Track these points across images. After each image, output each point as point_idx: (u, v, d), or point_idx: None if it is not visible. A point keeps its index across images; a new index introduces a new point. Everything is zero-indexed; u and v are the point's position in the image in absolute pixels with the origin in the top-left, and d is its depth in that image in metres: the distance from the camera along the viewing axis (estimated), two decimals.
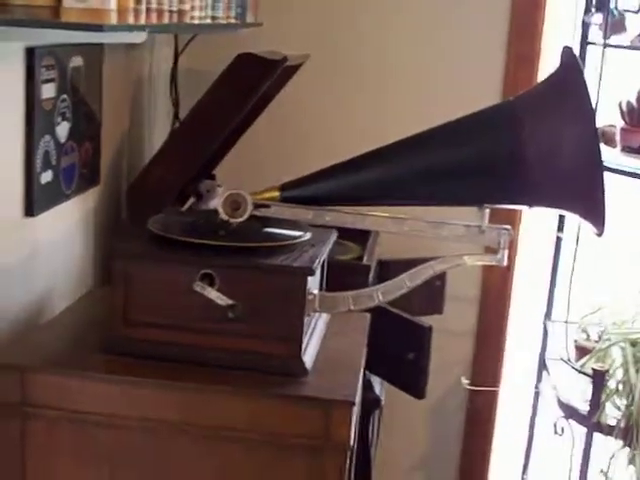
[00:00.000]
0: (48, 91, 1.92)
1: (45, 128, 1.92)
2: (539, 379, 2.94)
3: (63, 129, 2.02)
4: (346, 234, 2.53)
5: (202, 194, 2.54)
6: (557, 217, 2.87)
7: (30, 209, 1.90)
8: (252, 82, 2.19)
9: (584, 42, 2.70)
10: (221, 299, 1.61)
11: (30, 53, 1.82)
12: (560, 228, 2.86)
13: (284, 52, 2.24)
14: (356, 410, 1.66)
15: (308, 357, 1.70)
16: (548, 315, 2.90)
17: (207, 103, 2.26)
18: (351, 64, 2.93)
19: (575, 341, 2.74)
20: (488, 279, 3.01)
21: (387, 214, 1.73)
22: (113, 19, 1.38)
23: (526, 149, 1.61)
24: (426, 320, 2.38)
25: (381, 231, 1.84)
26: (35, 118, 1.86)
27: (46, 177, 1.95)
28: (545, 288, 2.92)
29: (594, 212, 1.60)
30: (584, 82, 1.56)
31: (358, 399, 1.79)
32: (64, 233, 2.11)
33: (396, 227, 1.73)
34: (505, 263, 1.71)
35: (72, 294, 2.10)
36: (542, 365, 2.91)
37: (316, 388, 1.63)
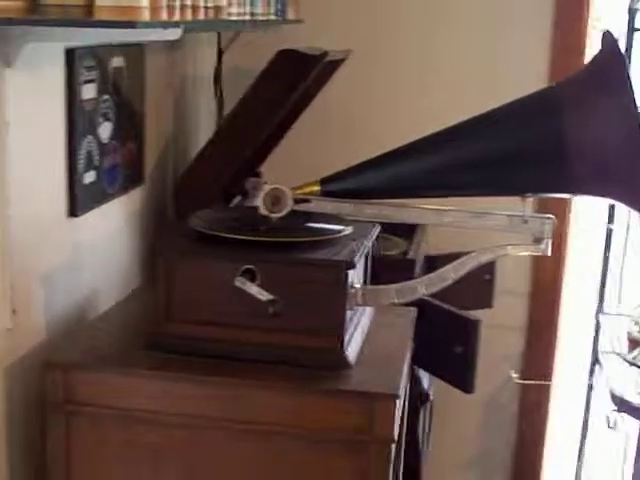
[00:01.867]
0: (89, 92, 1.93)
1: (87, 129, 1.93)
2: (592, 372, 2.90)
3: (105, 129, 2.03)
4: (393, 229, 2.53)
5: (248, 192, 2.55)
6: (607, 208, 2.83)
7: (73, 209, 1.91)
8: (293, 78, 2.20)
9: (631, 29, 2.66)
10: (262, 294, 1.61)
11: (70, 54, 1.83)
12: (610, 219, 2.82)
13: (326, 48, 2.23)
14: (400, 403, 1.65)
15: (351, 351, 1.69)
16: (600, 308, 2.86)
17: (249, 100, 2.26)
18: (393, 58, 2.91)
19: (628, 333, 2.70)
20: (538, 272, 2.98)
21: (428, 206, 1.71)
22: (145, 16, 1.38)
23: (568, 136, 1.58)
24: (476, 314, 2.35)
25: (423, 223, 1.83)
26: (76, 119, 1.87)
27: (89, 177, 1.96)
28: (596, 280, 2.88)
29: (639, 199, 1.57)
30: (625, 67, 1.54)
31: (402, 392, 1.77)
32: (108, 233, 2.12)
33: (437, 219, 1.72)
34: (549, 252, 1.69)
35: (118, 293, 2.11)
36: (595, 358, 2.87)
37: (359, 382, 1.62)
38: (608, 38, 1.60)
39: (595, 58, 1.64)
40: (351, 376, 1.64)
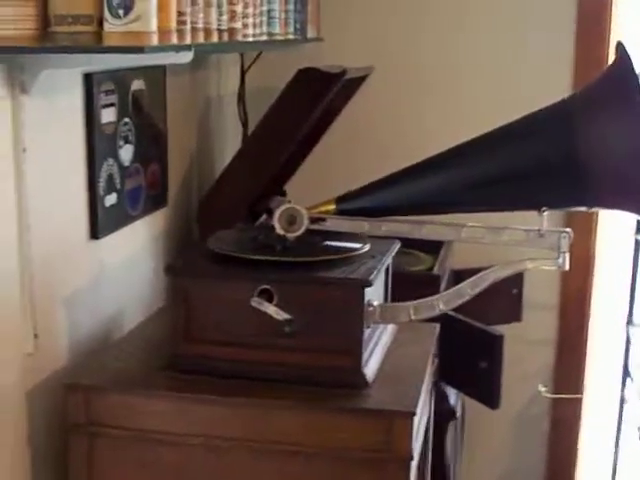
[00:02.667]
0: (109, 115, 1.94)
1: (107, 152, 1.95)
2: (623, 385, 2.87)
3: (127, 152, 2.05)
4: (419, 245, 2.52)
5: (273, 211, 2.56)
6: (636, 219, 2.80)
7: (95, 232, 1.92)
8: (314, 96, 2.20)
9: None
10: (279, 314, 1.61)
11: (88, 79, 1.85)
12: (639, 230, 2.79)
13: (350, 65, 2.25)
14: (418, 421, 1.65)
15: (370, 369, 1.69)
16: (630, 319, 2.84)
17: (271, 120, 2.28)
18: (416, 74, 2.91)
19: None
20: (567, 285, 2.95)
21: (444, 222, 1.71)
22: (154, 40, 1.40)
23: (581, 149, 1.57)
24: (505, 329, 2.34)
25: (439, 239, 1.82)
26: (96, 142, 1.89)
27: (110, 200, 1.97)
28: (626, 292, 2.85)
29: None
30: (636, 77, 1.53)
31: (423, 410, 1.77)
32: (132, 254, 2.14)
33: (454, 234, 1.72)
34: (567, 267, 1.67)
35: (143, 314, 2.12)
36: (626, 371, 2.84)
37: (377, 400, 1.62)
38: (620, 49, 1.60)
39: (608, 70, 1.63)
40: (369, 394, 1.64)
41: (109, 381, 1.70)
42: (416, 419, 1.59)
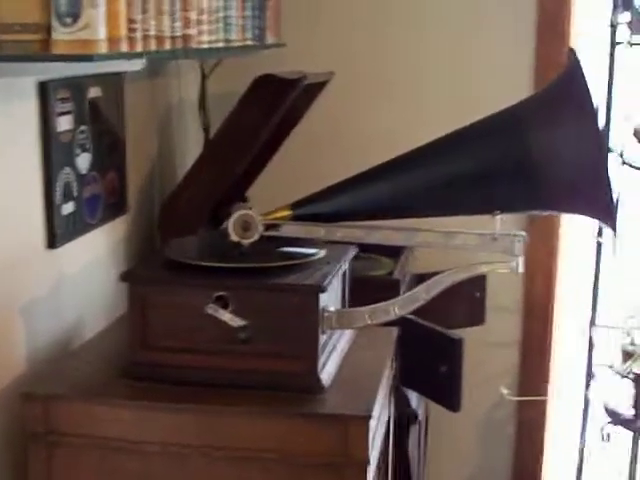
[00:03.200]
0: (65, 123, 1.94)
1: (64, 160, 1.95)
2: (587, 386, 2.89)
3: (84, 160, 2.04)
4: (380, 250, 2.52)
5: None
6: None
7: (52, 241, 1.92)
8: (272, 102, 2.20)
9: (613, 43, 2.67)
10: (233, 320, 1.62)
11: (43, 87, 1.85)
12: (600, 233, 2.81)
13: (312, 70, 2.25)
14: (375, 425, 1.65)
15: (326, 374, 1.69)
16: (592, 321, 2.85)
17: (230, 126, 2.27)
18: (378, 79, 2.92)
19: (622, 345, 2.69)
20: (530, 287, 2.96)
21: (398, 227, 1.71)
22: (103, 48, 1.40)
23: (533, 153, 1.59)
24: (469, 332, 2.35)
25: (393, 244, 1.83)
26: (52, 151, 1.89)
27: (67, 208, 1.97)
28: (588, 293, 2.87)
29: (603, 213, 1.58)
30: (586, 84, 1.54)
31: (381, 413, 1.78)
32: (91, 263, 2.13)
33: (408, 240, 1.73)
34: (521, 270, 1.68)
35: (103, 323, 2.12)
36: (590, 372, 2.86)
37: (332, 404, 1.62)
38: (572, 56, 1.61)
39: (559, 76, 1.64)
40: (325, 399, 1.64)
41: (67, 389, 1.69)
42: (372, 423, 1.59)
